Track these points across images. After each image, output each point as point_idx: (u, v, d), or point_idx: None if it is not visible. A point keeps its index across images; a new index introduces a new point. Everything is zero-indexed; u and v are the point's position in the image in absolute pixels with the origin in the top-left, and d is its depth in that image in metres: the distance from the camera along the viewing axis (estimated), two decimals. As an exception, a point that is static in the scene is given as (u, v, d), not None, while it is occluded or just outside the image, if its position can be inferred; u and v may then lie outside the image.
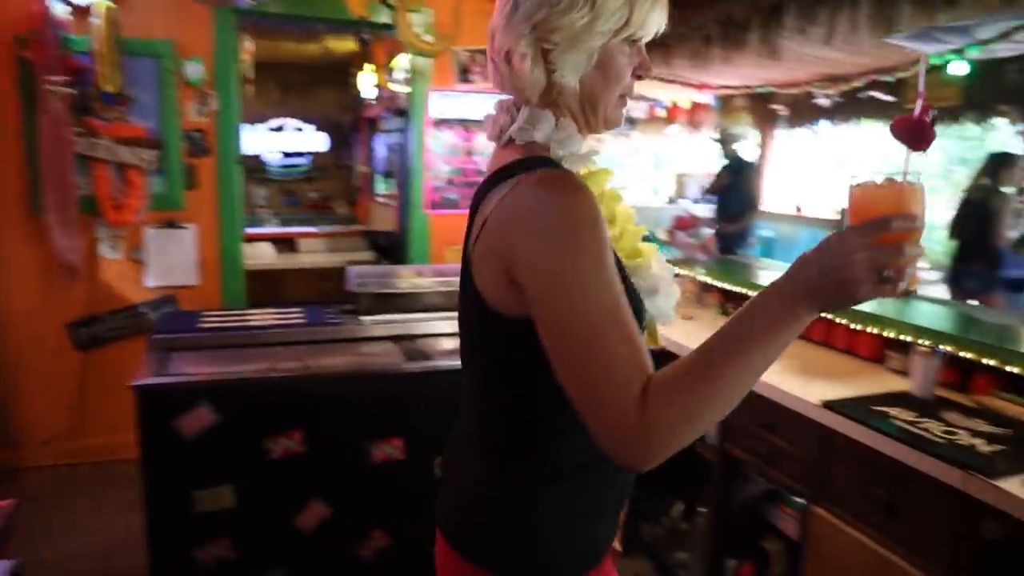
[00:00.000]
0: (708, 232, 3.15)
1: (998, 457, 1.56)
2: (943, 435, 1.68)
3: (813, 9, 2.71)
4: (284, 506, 2.25)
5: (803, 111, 7.81)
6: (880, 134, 7.79)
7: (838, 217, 7.44)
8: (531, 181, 0.84)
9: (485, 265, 0.87)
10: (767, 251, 7.08)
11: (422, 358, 2.47)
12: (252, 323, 2.62)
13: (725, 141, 5.95)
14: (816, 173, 10.16)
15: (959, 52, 4.43)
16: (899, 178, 0.77)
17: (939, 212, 9.36)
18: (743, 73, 7.03)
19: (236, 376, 2.22)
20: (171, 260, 3.63)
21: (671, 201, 9.24)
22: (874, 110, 7.01)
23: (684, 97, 8.20)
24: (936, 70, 4.89)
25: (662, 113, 8.25)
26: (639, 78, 0.96)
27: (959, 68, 4.56)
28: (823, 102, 7.39)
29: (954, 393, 2.02)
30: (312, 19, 3.82)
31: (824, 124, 7.73)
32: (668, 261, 1.07)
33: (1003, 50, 5.06)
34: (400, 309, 2.70)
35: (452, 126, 3.93)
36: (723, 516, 2.41)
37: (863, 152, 9.87)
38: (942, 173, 10.02)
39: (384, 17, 3.61)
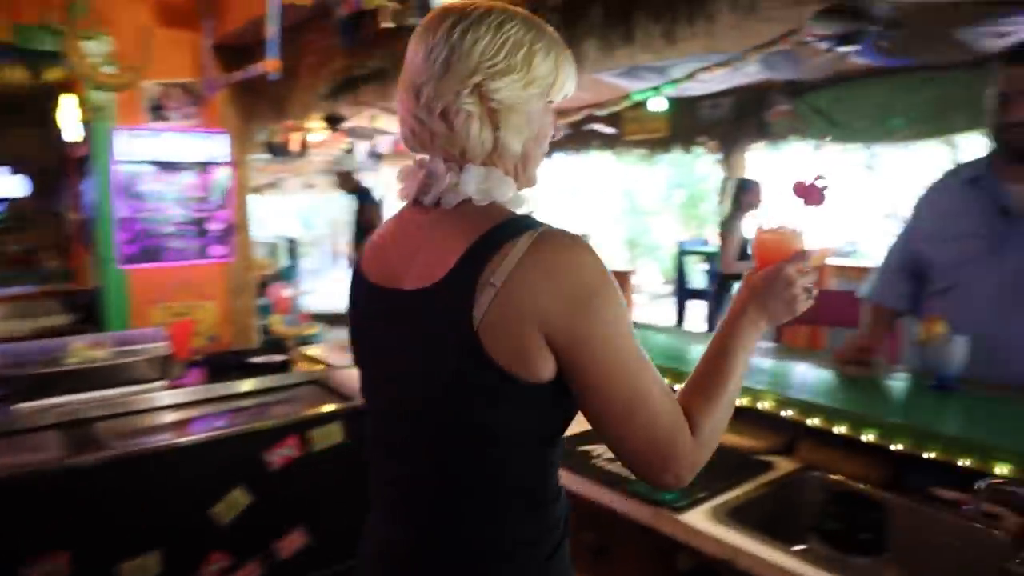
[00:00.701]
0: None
1: (684, 488, 1.57)
2: (640, 470, 1.68)
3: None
4: None
5: (539, 143, 8.20)
6: (604, 162, 8.43)
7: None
8: (549, 245, 0.86)
9: (506, 333, 0.84)
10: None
11: (95, 447, 2.07)
12: None
13: (342, 176, 5.99)
14: (556, 202, 10.82)
15: (657, 89, 4.87)
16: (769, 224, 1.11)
17: (669, 231, 10.45)
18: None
19: None
20: None
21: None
22: (600, 141, 7.57)
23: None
24: (641, 105, 5.34)
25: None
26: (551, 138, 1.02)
27: (659, 104, 5.02)
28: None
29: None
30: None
31: (559, 155, 8.18)
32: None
33: (694, 88, 5.67)
34: (69, 390, 2.27)
35: (178, 169, 3.49)
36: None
37: (595, 180, 10.71)
38: (664, 196, 11.20)
39: (49, 44, 3.11)
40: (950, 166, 2.10)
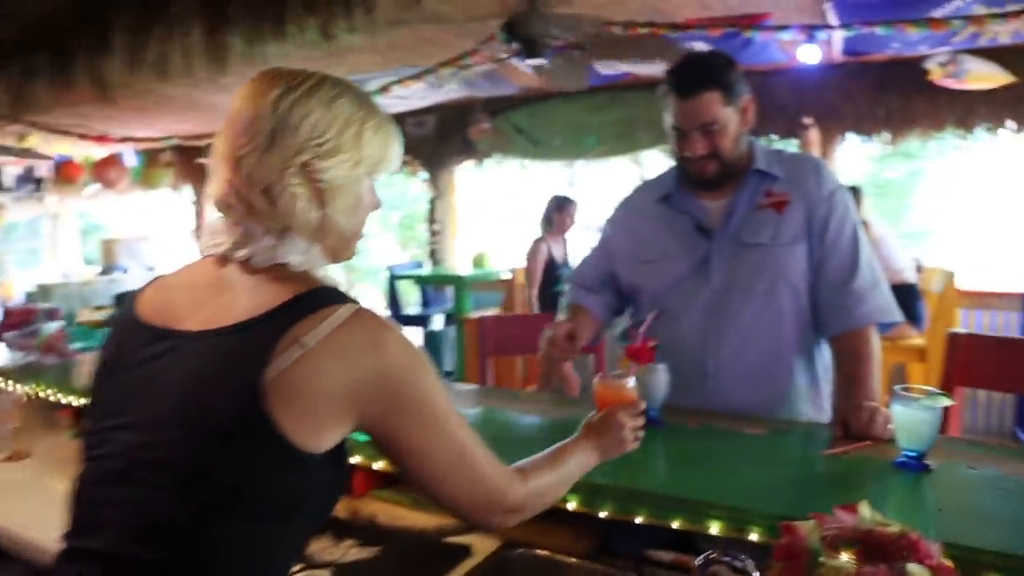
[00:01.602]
0: (55, 326, 2.33)
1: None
2: (300, 588, 1.25)
3: (138, 42, 2.17)
4: None
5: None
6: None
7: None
8: (369, 321, 0.86)
9: (299, 395, 0.80)
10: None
11: None
12: None
13: None
14: None
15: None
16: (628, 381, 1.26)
17: (387, 253, 10.16)
18: (154, 125, 6.28)
19: None
20: None
21: (104, 272, 7.91)
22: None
23: (98, 152, 7.07)
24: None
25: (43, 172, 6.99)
26: None
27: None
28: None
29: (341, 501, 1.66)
30: None
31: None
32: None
33: (395, 104, 5.41)
34: None
35: None
36: None
37: None
38: (379, 218, 10.89)
39: None
40: (638, 181, 1.98)
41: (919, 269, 4.20)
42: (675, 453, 1.47)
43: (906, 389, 1.29)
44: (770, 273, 1.63)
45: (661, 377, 1.55)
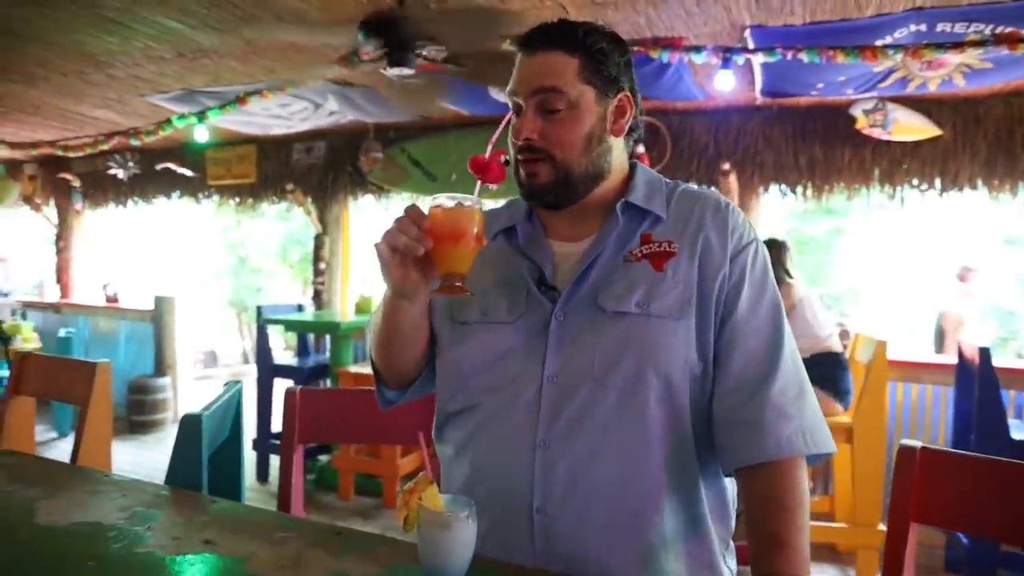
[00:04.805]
0: None
1: None
2: None
3: None
4: None
5: (105, 185, 6.62)
6: (198, 211, 7.09)
7: (152, 308, 6.38)
8: None
9: None
10: (66, 351, 5.33)
11: None
12: None
13: None
14: (135, 257, 9.02)
15: (201, 116, 3.84)
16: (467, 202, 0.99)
17: (287, 292, 9.35)
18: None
19: None
20: None
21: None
22: (182, 186, 6.28)
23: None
24: (229, 145, 4.26)
25: None
26: None
27: (201, 134, 3.98)
28: (121, 174, 6.35)
29: None
30: None
31: (134, 203, 6.68)
32: None
33: (277, 124, 4.79)
34: None
35: None
36: None
37: (185, 230, 9.21)
38: (279, 253, 10.13)
39: None
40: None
41: (843, 335, 3.77)
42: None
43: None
44: (634, 357, 1.05)
45: (464, 532, 0.94)
